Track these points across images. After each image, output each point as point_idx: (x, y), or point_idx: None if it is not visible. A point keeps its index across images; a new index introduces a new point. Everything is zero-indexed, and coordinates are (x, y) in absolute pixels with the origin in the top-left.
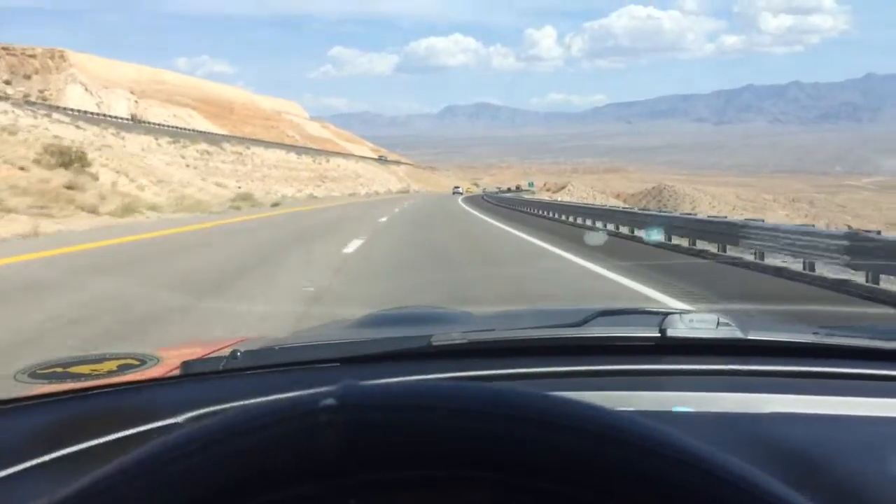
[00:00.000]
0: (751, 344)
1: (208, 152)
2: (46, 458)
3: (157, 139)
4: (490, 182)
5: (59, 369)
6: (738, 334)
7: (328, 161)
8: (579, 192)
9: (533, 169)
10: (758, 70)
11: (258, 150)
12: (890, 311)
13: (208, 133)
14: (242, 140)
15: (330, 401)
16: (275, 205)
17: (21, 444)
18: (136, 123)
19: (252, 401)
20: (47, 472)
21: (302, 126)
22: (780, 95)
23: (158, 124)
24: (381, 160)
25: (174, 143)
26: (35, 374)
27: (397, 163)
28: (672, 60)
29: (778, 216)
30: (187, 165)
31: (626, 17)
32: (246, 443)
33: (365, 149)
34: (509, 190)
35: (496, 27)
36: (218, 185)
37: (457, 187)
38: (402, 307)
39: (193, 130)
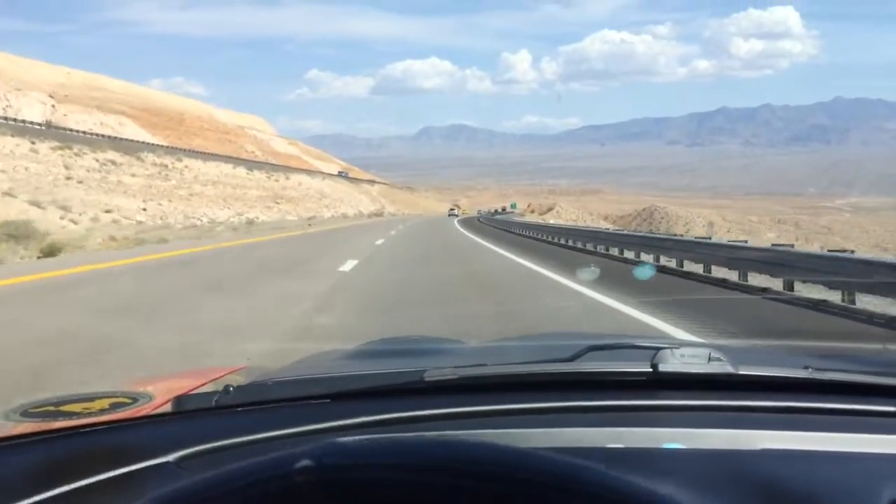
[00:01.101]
0: (742, 379)
1: (114, 162)
2: (39, 497)
3: (33, 142)
4: (467, 204)
5: (50, 408)
6: (730, 369)
7: (287, 178)
8: (568, 213)
9: (510, 191)
10: (729, 93)
11: (194, 164)
12: (884, 346)
13: (128, 141)
14: (173, 150)
15: (306, 462)
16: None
17: (13, 483)
18: (47, 129)
19: (250, 437)
20: None
21: (266, 142)
22: (752, 118)
23: (75, 131)
24: (342, 176)
25: (62, 148)
26: (27, 413)
27: (371, 182)
28: (645, 84)
29: (768, 238)
30: (69, 178)
31: (600, 41)
32: (227, 502)
33: (335, 167)
34: (496, 212)
35: (472, 51)
36: (106, 207)
37: (452, 209)
38: (396, 338)
39: (108, 137)
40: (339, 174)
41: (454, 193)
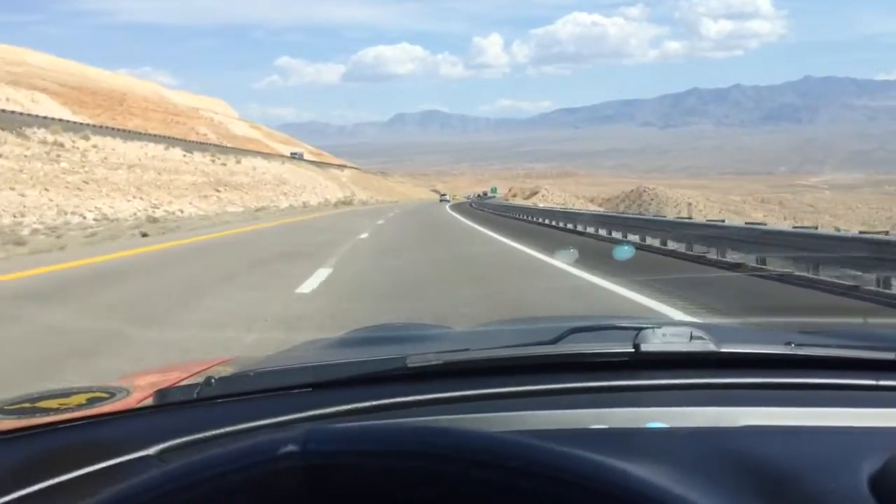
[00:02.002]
0: (724, 357)
1: None
2: (17, 494)
3: None
4: (444, 189)
5: (27, 404)
6: (712, 347)
7: (238, 162)
8: (554, 197)
9: (486, 175)
10: (701, 74)
11: (109, 143)
12: (865, 320)
13: (11, 113)
14: (80, 127)
15: (290, 447)
16: None
17: None
18: None
19: (231, 428)
20: None
21: (224, 125)
22: (723, 99)
23: None
24: (296, 157)
25: None
26: (3, 410)
27: (340, 167)
28: (617, 66)
29: (757, 218)
30: None
31: (572, 23)
32: (208, 488)
33: (305, 153)
34: (481, 195)
35: (444, 35)
36: None
37: (444, 195)
38: (380, 325)
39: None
40: (293, 155)
41: (430, 179)
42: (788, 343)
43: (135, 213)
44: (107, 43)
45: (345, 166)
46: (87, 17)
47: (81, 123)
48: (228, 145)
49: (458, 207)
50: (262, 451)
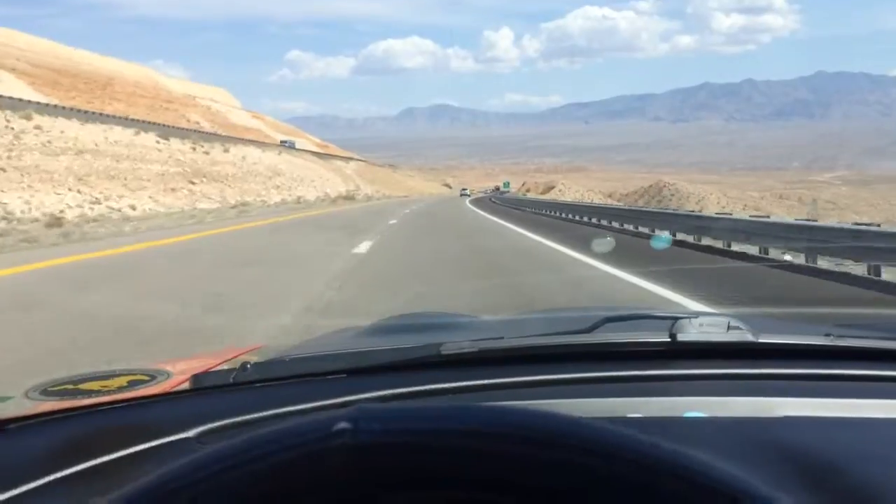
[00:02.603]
0: (762, 347)
1: None
2: (60, 474)
3: None
4: (453, 183)
5: (69, 386)
6: (750, 337)
7: (227, 151)
8: (572, 192)
9: (496, 170)
10: (712, 69)
11: (61, 125)
12: None
13: None
14: (23, 104)
15: (343, 424)
16: None
17: (34, 462)
18: None
19: (268, 413)
20: (62, 489)
21: (222, 114)
22: (735, 94)
23: None
24: (287, 145)
25: None
26: (46, 392)
27: (346, 159)
28: (628, 60)
29: (779, 214)
30: None
31: (582, 17)
32: (259, 466)
33: (308, 144)
34: (497, 189)
35: (454, 29)
36: None
37: (464, 189)
38: (412, 314)
39: None
40: (283, 143)
41: (439, 173)
42: (827, 334)
43: (62, 209)
44: (119, 36)
45: (351, 158)
46: (99, 10)
47: (27, 101)
48: (222, 133)
49: (480, 203)
50: (314, 430)
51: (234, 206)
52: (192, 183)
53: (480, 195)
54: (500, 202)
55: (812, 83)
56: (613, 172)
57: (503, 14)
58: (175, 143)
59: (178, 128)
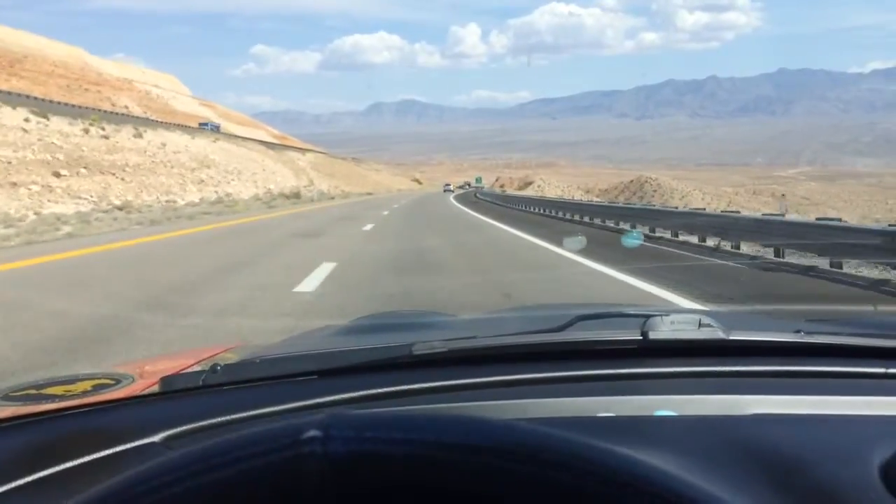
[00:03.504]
0: (733, 344)
1: None
2: (22, 481)
3: None
4: (422, 178)
5: (32, 391)
6: (721, 335)
7: (139, 136)
8: (551, 188)
9: (464, 165)
10: (676, 66)
11: None
12: (875, 307)
13: None
14: None
15: (313, 432)
16: None
17: None
18: None
19: (237, 416)
20: (26, 495)
21: (164, 100)
22: (699, 90)
23: None
24: (209, 128)
25: None
26: (7, 397)
27: (301, 150)
28: (594, 57)
29: (758, 210)
30: None
31: (549, 14)
32: (226, 474)
33: (265, 136)
34: (470, 185)
35: (421, 24)
36: None
37: (447, 185)
38: (386, 313)
39: None
40: (203, 126)
41: (407, 169)
42: (798, 331)
43: None
44: (78, 29)
45: (308, 150)
46: (56, 3)
47: None
48: (153, 118)
49: (465, 200)
50: (283, 436)
51: (109, 210)
52: (58, 175)
53: (460, 191)
54: (488, 199)
55: (774, 80)
56: (583, 168)
57: (470, 10)
58: (58, 123)
59: (74, 106)
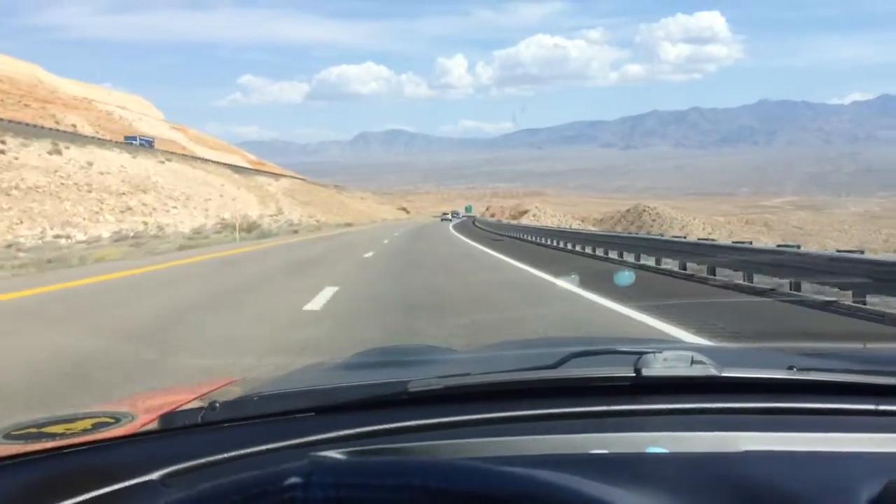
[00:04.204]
0: (726, 381)
1: None
2: None
3: None
4: (409, 207)
5: (33, 430)
6: (713, 371)
7: (58, 152)
8: (546, 217)
9: (451, 194)
10: (660, 97)
11: None
12: (865, 345)
13: None
14: None
15: (294, 479)
16: None
17: None
18: None
19: (234, 454)
20: None
21: (127, 121)
22: (682, 121)
23: None
24: (140, 143)
25: None
26: (9, 436)
27: (275, 175)
28: (579, 88)
29: (754, 240)
30: None
31: (535, 45)
32: None
33: (242, 161)
34: (453, 214)
35: (408, 55)
36: None
37: (445, 214)
38: (384, 348)
39: None
40: (129, 141)
41: (394, 198)
42: (790, 367)
43: None
44: (64, 59)
45: (283, 175)
46: (43, 33)
47: None
48: (93, 135)
49: (472, 234)
50: (265, 483)
51: None
52: None
53: (456, 221)
54: (488, 228)
55: (756, 111)
56: (569, 197)
57: (456, 41)
58: None
59: None
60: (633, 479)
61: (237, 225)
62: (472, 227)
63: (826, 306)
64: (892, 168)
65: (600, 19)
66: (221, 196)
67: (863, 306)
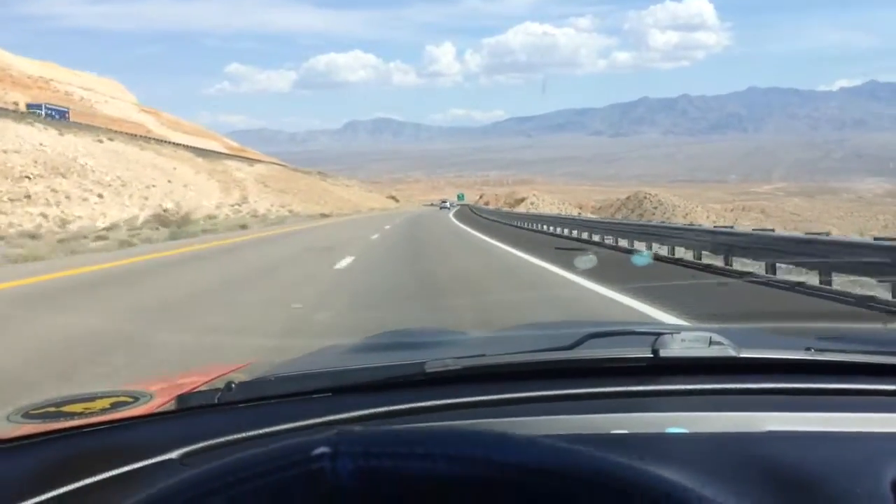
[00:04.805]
0: (744, 362)
1: None
2: (43, 496)
3: None
4: (399, 195)
5: (51, 409)
6: (731, 352)
7: None
8: (545, 205)
9: (441, 182)
10: (649, 84)
11: None
12: (885, 325)
13: None
14: None
15: (322, 448)
16: None
17: (17, 484)
18: None
19: (252, 433)
20: None
21: (90, 102)
22: (671, 108)
23: None
24: (45, 113)
25: None
26: (28, 415)
27: (249, 160)
28: (568, 76)
29: (758, 226)
30: None
31: (523, 33)
32: (239, 491)
33: (217, 144)
34: (445, 203)
35: (396, 43)
36: None
37: (444, 201)
38: (397, 331)
39: None
40: (33, 108)
41: (383, 187)
42: (808, 348)
43: None
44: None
45: (260, 161)
46: (32, 22)
47: None
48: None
49: (479, 225)
50: (293, 454)
51: None
52: None
53: (453, 209)
54: (494, 217)
55: (745, 98)
56: (559, 185)
57: (445, 29)
58: None
59: None
60: (653, 458)
61: (140, 219)
62: (475, 217)
63: None
64: (881, 154)
65: (589, 7)
66: (170, 182)
67: None
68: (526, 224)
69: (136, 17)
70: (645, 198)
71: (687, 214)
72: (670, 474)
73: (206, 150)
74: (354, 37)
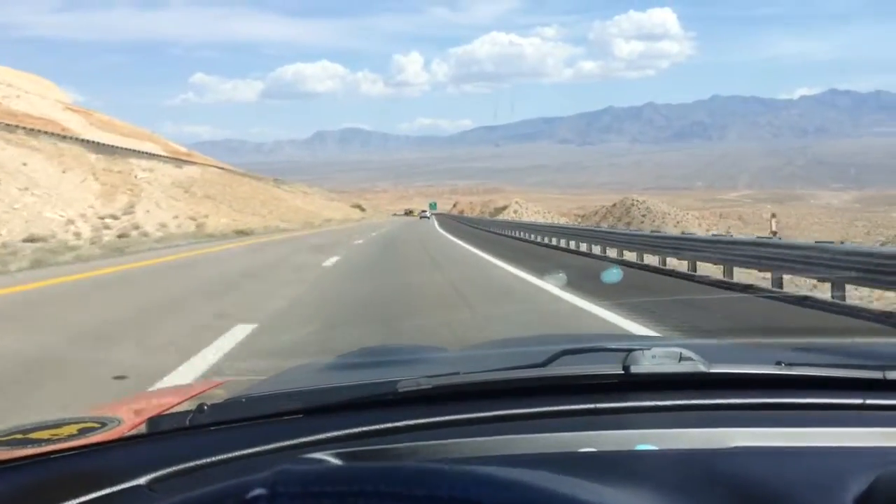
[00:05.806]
0: (714, 377)
1: None
2: None
3: None
4: (366, 205)
5: (18, 435)
6: (701, 368)
7: None
8: (529, 212)
9: (409, 192)
10: (615, 93)
11: None
12: (852, 339)
13: None
14: None
15: (258, 490)
16: None
17: None
18: None
19: (221, 457)
20: None
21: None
22: (637, 117)
23: None
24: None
25: None
26: None
27: (178, 160)
28: (535, 85)
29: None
30: None
31: (490, 43)
32: None
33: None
34: (425, 213)
35: (364, 53)
36: None
37: (424, 212)
38: (374, 348)
39: None
40: None
41: (351, 197)
42: (779, 362)
43: None
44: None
45: (195, 163)
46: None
47: None
48: None
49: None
50: (226, 498)
51: None
52: None
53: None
54: (479, 227)
55: (708, 106)
56: (530, 193)
57: (412, 39)
58: None
59: None
60: (622, 477)
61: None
62: (471, 230)
63: None
64: (841, 161)
65: (554, 17)
66: (14, 181)
67: None
68: (525, 234)
69: (99, 27)
70: (633, 205)
71: (679, 223)
72: (637, 493)
73: (107, 146)
74: (322, 46)
